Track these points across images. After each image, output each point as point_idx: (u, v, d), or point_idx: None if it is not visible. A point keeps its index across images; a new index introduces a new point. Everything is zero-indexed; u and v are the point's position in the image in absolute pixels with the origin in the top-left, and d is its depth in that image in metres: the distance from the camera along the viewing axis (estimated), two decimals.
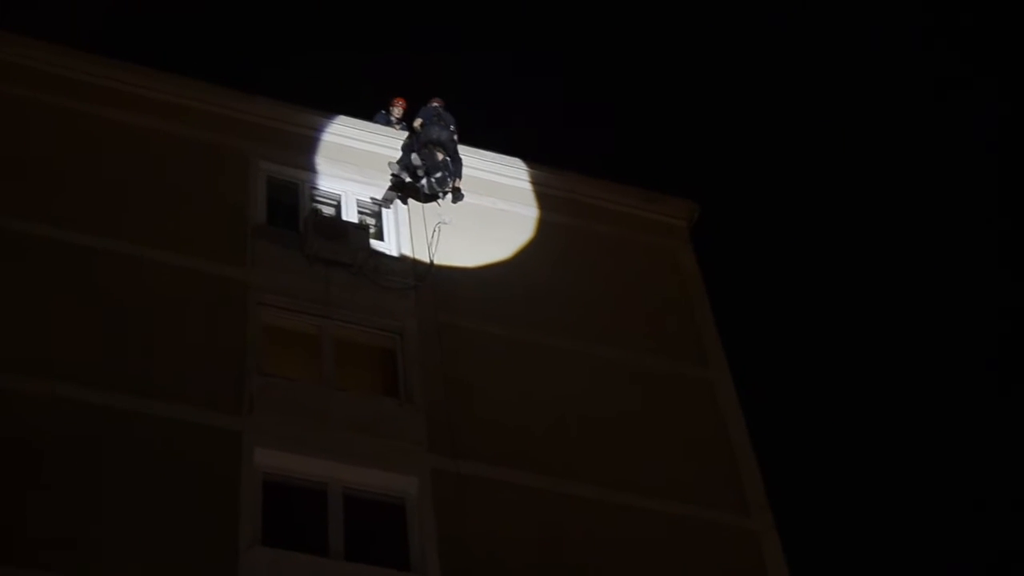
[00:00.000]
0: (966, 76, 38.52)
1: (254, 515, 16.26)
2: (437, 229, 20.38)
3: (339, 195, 21.04)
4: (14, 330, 17.01)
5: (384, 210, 21.04)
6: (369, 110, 22.75)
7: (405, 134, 21.64)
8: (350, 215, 20.76)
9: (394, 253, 20.38)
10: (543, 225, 21.94)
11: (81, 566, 15.05)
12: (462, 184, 20.90)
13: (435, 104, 21.36)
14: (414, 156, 20.67)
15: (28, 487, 15.53)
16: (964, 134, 39.11)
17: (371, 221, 20.93)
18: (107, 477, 15.98)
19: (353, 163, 21.42)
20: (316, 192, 20.99)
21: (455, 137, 21.01)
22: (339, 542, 16.46)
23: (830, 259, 39.45)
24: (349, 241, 19.61)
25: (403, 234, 20.66)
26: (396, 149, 21.35)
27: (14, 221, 18.26)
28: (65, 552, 15.10)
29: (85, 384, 16.74)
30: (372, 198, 21.05)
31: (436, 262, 20.16)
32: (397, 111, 22.58)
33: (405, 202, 20.94)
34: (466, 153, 21.51)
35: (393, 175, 20.93)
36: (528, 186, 22.45)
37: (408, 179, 20.71)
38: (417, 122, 21.14)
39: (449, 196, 20.84)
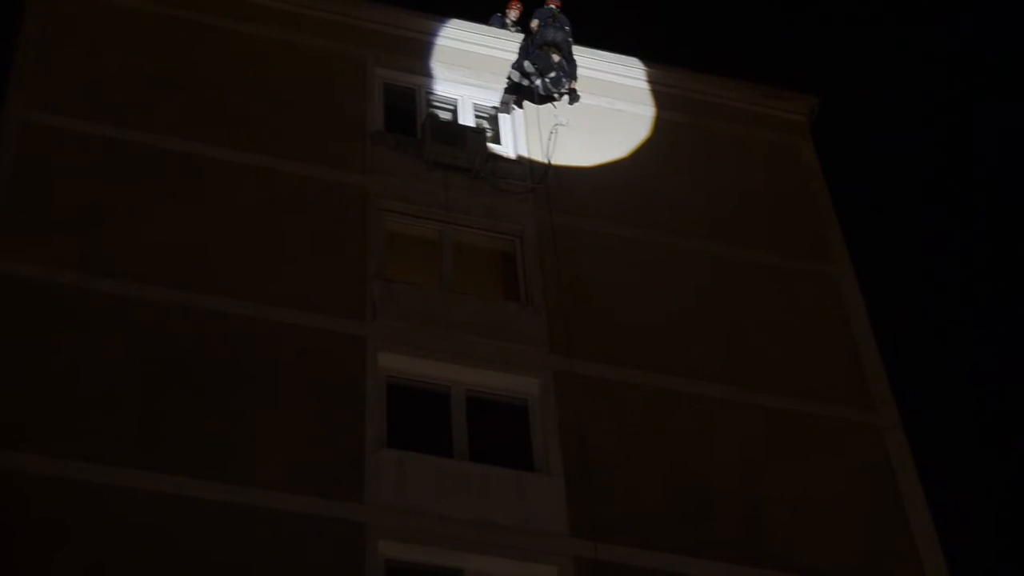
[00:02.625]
0: None
1: (379, 418, 16.54)
2: (554, 131, 20.35)
3: (455, 100, 21.07)
4: (151, 245, 17.36)
5: (501, 114, 21.04)
6: (485, 14, 22.71)
7: (520, 36, 21.58)
8: (467, 119, 20.80)
9: (511, 156, 20.41)
10: (660, 124, 21.81)
11: (219, 468, 15.46)
12: (578, 85, 20.82)
13: (551, 5, 21.25)
14: (527, 63, 20.63)
15: (171, 394, 15.96)
16: None
17: (488, 125, 20.95)
18: (241, 384, 16.37)
19: (469, 67, 21.42)
20: (432, 97, 21.04)
21: (570, 39, 20.90)
22: (463, 443, 16.69)
23: (953, 150, 38.72)
24: (467, 145, 19.66)
25: (520, 137, 20.67)
26: (511, 52, 21.31)
27: (140, 135, 18.56)
28: (204, 454, 15.53)
29: (218, 294, 17.09)
30: (493, 106, 21.03)
31: (553, 164, 20.15)
32: (513, 14, 22.48)
33: (521, 106, 20.93)
34: (581, 54, 21.39)
35: (509, 79, 20.90)
36: (644, 85, 22.29)
37: (524, 82, 20.67)
38: (533, 23, 21.05)
39: (565, 98, 20.78)
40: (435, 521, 15.74)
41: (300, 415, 16.29)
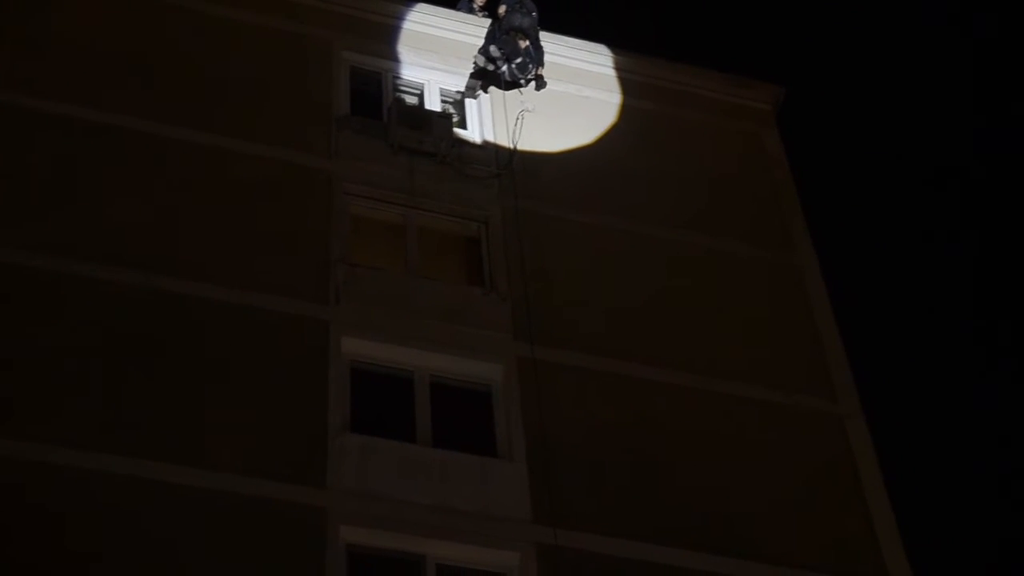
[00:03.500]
0: None
1: (342, 402, 16.50)
2: (520, 117, 20.32)
3: (422, 84, 21.04)
4: (116, 227, 17.26)
5: (467, 99, 21.00)
6: None
7: (487, 22, 21.54)
8: (433, 104, 20.76)
9: (477, 141, 20.39)
10: (626, 111, 21.82)
11: (180, 451, 15.40)
12: (545, 72, 20.80)
13: None
14: (492, 47, 20.59)
15: (130, 377, 15.90)
16: None
17: (454, 110, 20.91)
18: (204, 367, 16.31)
19: (436, 51, 21.38)
20: (399, 81, 21.00)
21: (537, 25, 20.86)
22: (426, 429, 16.68)
23: (917, 139, 38.90)
24: (433, 130, 19.63)
25: (486, 122, 20.64)
26: (478, 37, 21.25)
27: (106, 115, 18.47)
28: (165, 438, 15.47)
29: (178, 278, 17.02)
30: (457, 91, 21.00)
31: (519, 150, 20.13)
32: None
33: (486, 91, 20.89)
34: (548, 40, 21.37)
35: (475, 64, 20.86)
36: (611, 72, 22.29)
37: (490, 67, 20.64)
38: (501, 8, 21.00)
39: (532, 84, 20.76)
40: (397, 506, 15.72)
41: (262, 399, 16.24)
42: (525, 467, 16.55)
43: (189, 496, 15.06)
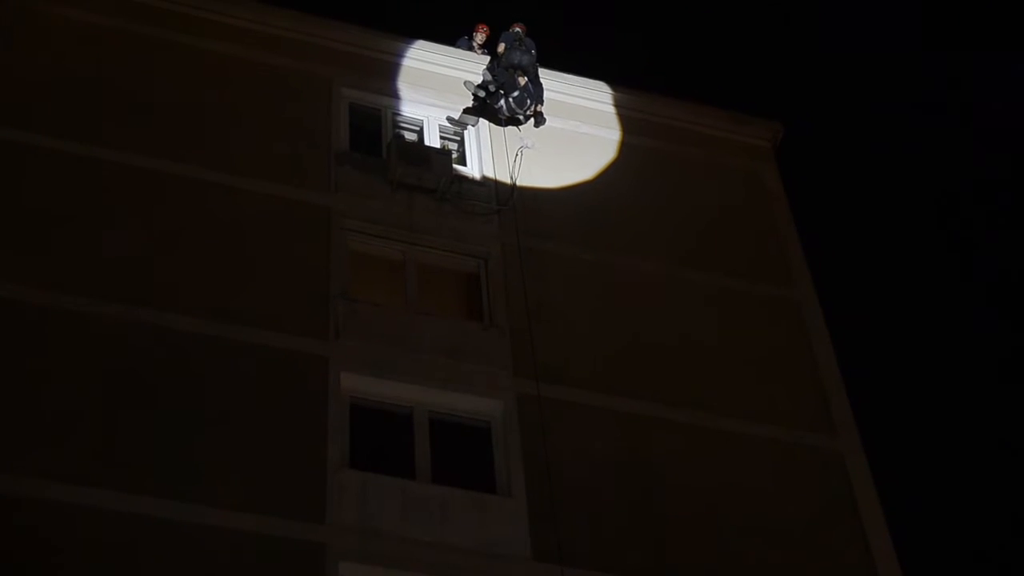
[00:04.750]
0: None
1: (342, 439, 16.48)
2: (520, 153, 20.35)
3: (421, 120, 21.08)
4: (113, 262, 17.28)
5: (466, 135, 21.05)
6: (452, 36, 22.73)
7: (487, 59, 21.61)
8: (433, 140, 20.80)
9: (477, 177, 20.42)
10: (625, 148, 21.87)
11: (179, 488, 15.36)
12: (544, 108, 20.85)
13: (517, 29, 21.27)
14: (485, 71, 20.68)
15: (128, 413, 15.87)
16: None
17: (454, 146, 20.96)
18: (203, 403, 16.28)
19: (435, 88, 21.44)
20: (399, 118, 21.04)
21: (536, 62, 20.93)
22: (425, 465, 16.65)
23: (916, 176, 38.96)
24: (432, 166, 19.66)
25: (486, 159, 20.68)
26: (477, 74, 21.32)
27: (104, 151, 18.49)
28: (163, 474, 15.43)
29: (179, 313, 17.01)
30: (448, 118, 21.04)
31: (519, 186, 20.16)
32: (480, 37, 22.50)
33: (475, 124, 20.89)
34: (548, 76, 21.43)
35: (473, 95, 20.90)
36: (610, 108, 22.35)
37: (483, 96, 20.64)
38: (500, 46, 21.07)
39: (531, 121, 20.81)
40: (396, 543, 15.68)
41: (262, 435, 16.21)
42: (525, 504, 16.52)
43: (186, 532, 15.01)
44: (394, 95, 21.20)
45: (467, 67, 21.72)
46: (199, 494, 15.38)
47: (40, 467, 15.04)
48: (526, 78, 20.61)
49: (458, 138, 21.10)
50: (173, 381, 16.35)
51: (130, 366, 16.33)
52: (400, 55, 21.69)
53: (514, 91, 20.47)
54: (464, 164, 20.70)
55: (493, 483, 16.81)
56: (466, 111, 20.94)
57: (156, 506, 15.09)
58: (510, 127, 20.83)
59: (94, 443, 15.48)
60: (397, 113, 21.06)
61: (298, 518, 15.55)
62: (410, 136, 20.80)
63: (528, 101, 20.58)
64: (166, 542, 14.87)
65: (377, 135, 20.65)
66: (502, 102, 20.52)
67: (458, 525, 16.05)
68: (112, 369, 16.23)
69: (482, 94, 20.69)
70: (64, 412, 15.64)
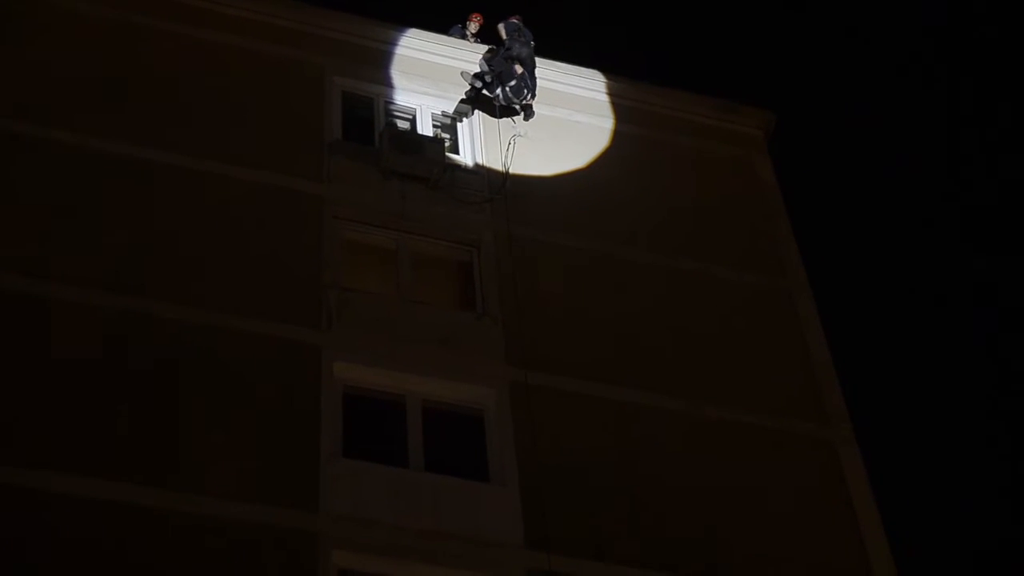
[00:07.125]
0: None
1: (335, 428, 16.48)
2: (512, 142, 20.35)
3: (414, 109, 21.06)
4: (104, 251, 17.26)
5: (459, 124, 21.04)
6: (446, 24, 22.70)
7: (481, 48, 21.59)
8: (425, 129, 20.78)
9: (469, 166, 20.41)
10: (618, 136, 21.86)
11: (170, 476, 15.36)
12: (536, 98, 20.82)
13: (514, 20, 21.22)
14: (481, 62, 20.67)
15: (121, 402, 15.85)
16: None
17: (446, 135, 20.94)
18: (194, 392, 16.26)
19: (428, 77, 21.41)
20: (391, 106, 21.01)
21: (533, 55, 20.90)
22: (418, 454, 16.65)
23: (909, 164, 38.99)
24: (425, 155, 19.64)
25: (478, 147, 20.67)
26: (471, 62, 21.30)
27: (96, 140, 18.45)
28: (155, 462, 15.43)
29: (171, 302, 16.98)
30: (444, 112, 21.02)
31: (511, 174, 20.15)
32: (473, 26, 22.50)
33: (470, 115, 20.88)
34: (541, 64, 21.40)
35: (472, 85, 20.88)
36: (603, 97, 22.33)
37: (477, 84, 20.61)
38: (502, 32, 21.00)
39: (521, 113, 20.81)
40: (390, 531, 15.69)
41: (254, 424, 16.21)
42: (517, 492, 16.53)
43: (179, 521, 15.00)
44: (387, 84, 21.17)
45: (460, 56, 21.70)
46: (192, 483, 15.37)
47: (27, 456, 15.01)
48: (523, 68, 20.60)
49: (451, 127, 21.08)
50: (165, 369, 16.32)
51: (122, 356, 16.30)
52: (393, 43, 21.66)
53: (511, 80, 20.45)
54: (457, 152, 20.69)
55: (486, 471, 16.82)
56: (463, 101, 20.92)
57: (146, 495, 15.07)
58: (504, 118, 20.81)
59: (86, 432, 15.45)
60: (390, 102, 21.03)
61: (291, 507, 15.55)
62: (403, 125, 20.77)
63: (524, 91, 20.57)
64: (159, 531, 14.86)
65: (370, 124, 20.63)
66: (499, 91, 20.51)
67: (451, 513, 16.05)
68: (104, 359, 16.20)
69: (479, 84, 20.67)
70: (53, 401, 15.60)
